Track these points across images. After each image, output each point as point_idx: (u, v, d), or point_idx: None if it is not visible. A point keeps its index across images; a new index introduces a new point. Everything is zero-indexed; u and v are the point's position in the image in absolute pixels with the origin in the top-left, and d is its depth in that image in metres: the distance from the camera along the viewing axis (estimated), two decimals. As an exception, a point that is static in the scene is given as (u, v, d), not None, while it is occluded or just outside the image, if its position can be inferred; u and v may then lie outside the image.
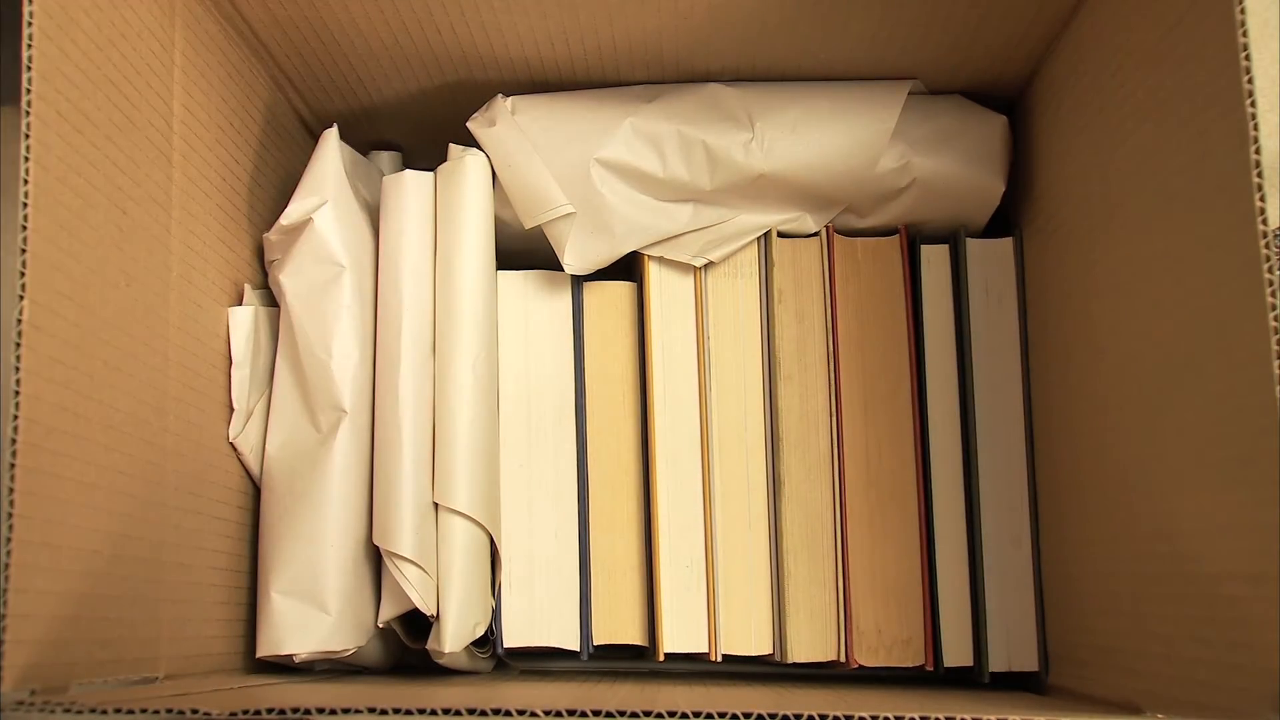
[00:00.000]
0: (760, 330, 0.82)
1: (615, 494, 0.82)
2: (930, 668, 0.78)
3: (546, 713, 0.51)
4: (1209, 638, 0.56)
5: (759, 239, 0.83)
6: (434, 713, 0.50)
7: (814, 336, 0.82)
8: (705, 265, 0.82)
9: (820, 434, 0.81)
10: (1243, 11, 0.53)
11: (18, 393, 0.51)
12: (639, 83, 0.82)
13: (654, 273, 0.82)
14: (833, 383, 0.81)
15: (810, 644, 0.78)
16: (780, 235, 0.82)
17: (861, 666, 0.78)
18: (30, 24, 0.54)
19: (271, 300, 0.80)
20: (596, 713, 0.51)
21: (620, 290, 0.84)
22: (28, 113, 0.53)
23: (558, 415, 0.82)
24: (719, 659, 0.79)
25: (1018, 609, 0.78)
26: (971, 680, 0.79)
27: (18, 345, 0.52)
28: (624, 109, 0.79)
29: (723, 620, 0.79)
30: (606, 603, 0.80)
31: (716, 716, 0.50)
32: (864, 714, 0.50)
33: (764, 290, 0.82)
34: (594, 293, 0.84)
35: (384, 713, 0.50)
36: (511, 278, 0.83)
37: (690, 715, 0.50)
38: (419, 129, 0.90)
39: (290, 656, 0.73)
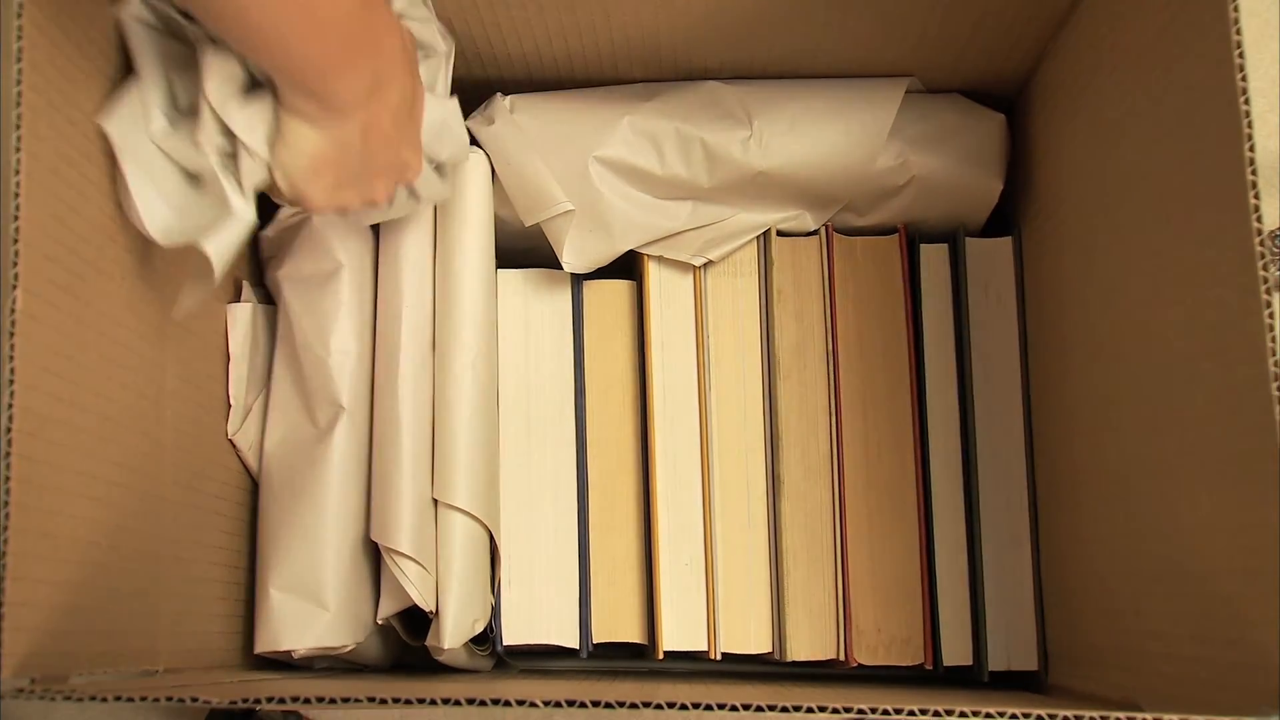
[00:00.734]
0: (760, 329, 0.82)
1: (615, 492, 0.82)
2: (930, 667, 0.78)
3: (546, 702, 0.51)
4: (1208, 636, 0.56)
5: (758, 238, 0.83)
6: (433, 702, 0.50)
7: (813, 335, 0.81)
8: (704, 264, 0.82)
9: (820, 433, 0.80)
10: (1236, 10, 0.53)
11: (12, 381, 0.51)
12: (637, 80, 0.82)
13: (653, 271, 0.82)
14: (832, 381, 0.81)
15: (810, 643, 0.78)
16: (780, 234, 0.82)
17: (861, 665, 0.78)
18: (20, 14, 0.54)
19: (269, 297, 0.80)
20: (595, 703, 0.51)
21: (620, 289, 0.84)
22: (19, 103, 0.53)
23: (557, 414, 0.82)
24: (718, 657, 0.79)
25: (1017, 608, 0.78)
26: (971, 679, 0.79)
27: (11, 335, 0.52)
28: (622, 107, 0.79)
29: (722, 619, 0.79)
30: (606, 601, 0.80)
31: (715, 707, 0.50)
32: (861, 706, 0.50)
33: (763, 289, 0.82)
34: (594, 291, 0.84)
35: (383, 702, 0.50)
36: (511, 276, 0.83)
37: (688, 706, 0.50)
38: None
39: (289, 653, 0.73)
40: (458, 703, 0.50)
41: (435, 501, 0.75)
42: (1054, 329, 0.76)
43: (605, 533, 0.81)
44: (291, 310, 0.76)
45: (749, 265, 0.83)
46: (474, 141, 0.80)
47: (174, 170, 0.62)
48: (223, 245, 0.62)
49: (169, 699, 0.51)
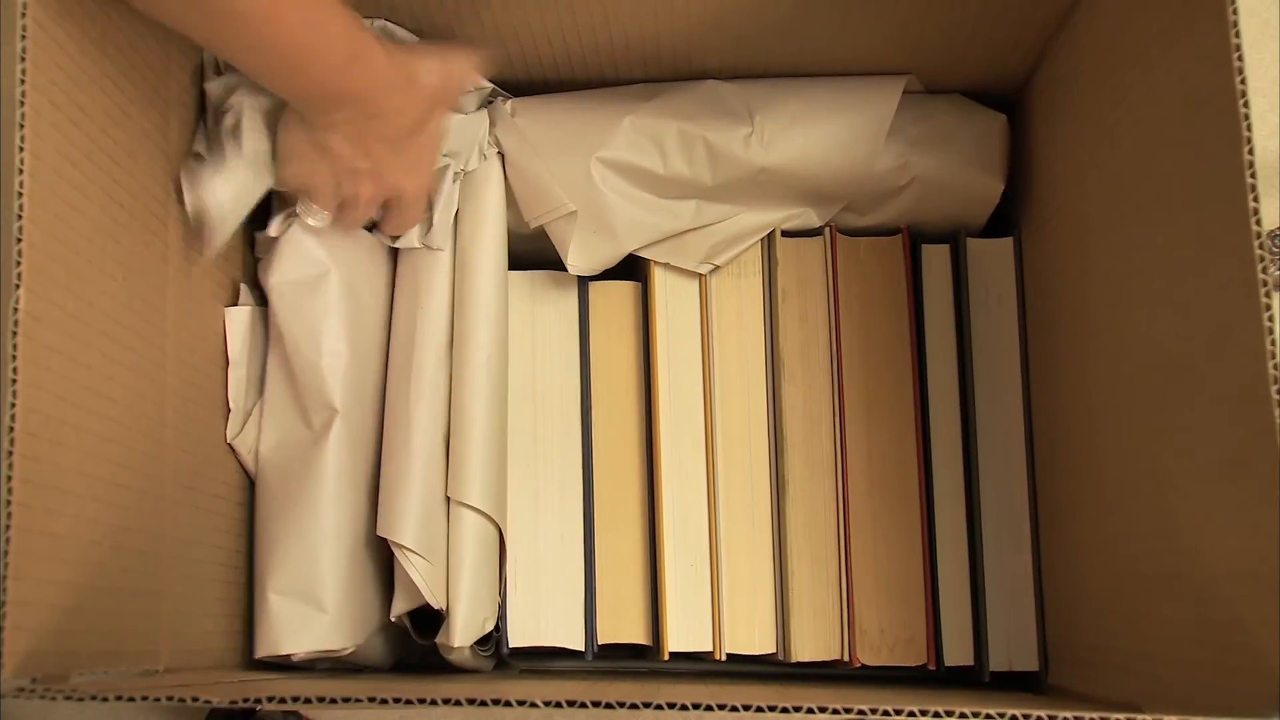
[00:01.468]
0: (764, 330, 0.82)
1: (620, 493, 0.82)
2: (932, 667, 0.78)
3: (546, 703, 0.51)
4: (1207, 638, 0.56)
5: (763, 240, 0.83)
6: (434, 702, 0.50)
7: (817, 336, 0.82)
8: (711, 271, 0.82)
9: (823, 434, 0.81)
10: (1235, 12, 0.53)
11: (15, 380, 0.51)
12: (638, 81, 0.82)
13: (659, 273, 0.82)
14: (836, 383, 0.81)
15: (813, 643, 0.78)
16: (784, 235, 0.82)
17: (864, 666, 0.78)
18: (24, 14, 0.54)
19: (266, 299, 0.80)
20: (596, 703, 0.51)
21: (626, 290, 0.84)
22: (22, 103, 0.53)
23: (563, 415, 0.82)
24: (723, 658, 0.79)
25: (1018, 609, 0.78)
26: (972, 680, 0.79)
27: (15, 334, 0.52)
28: (623, 108, 0.79)
29: (727, 619, 0.79)
30: (611, 602, 0.80)
31: (715, 708, 0.50)
32: (862, 707, 0.50)
33: (768, 290, 0.82)
34: (600, 293, 0.84)
35: (384, 702, 0.50)
36: (519, 278, 0.83)
37: (689, 706, 0.50)
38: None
39: (289, 656, 0.73)
40: (458, 702, 0.50)
41: (448, 500, 0.75)
42: (1054, 329, 0.76)
43: (610, 534, 0.81)
44: (281, 315, 0.76)
45: (753, 266, 0.83)
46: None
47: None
48: (215, 192, 0.70)
49: (169, 698, 0.51)
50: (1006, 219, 0.84)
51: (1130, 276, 0.65)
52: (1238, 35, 0.53)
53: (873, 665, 0.78)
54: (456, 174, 0.78)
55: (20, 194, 0.53)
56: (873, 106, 0.79)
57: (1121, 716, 0.49)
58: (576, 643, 0.79)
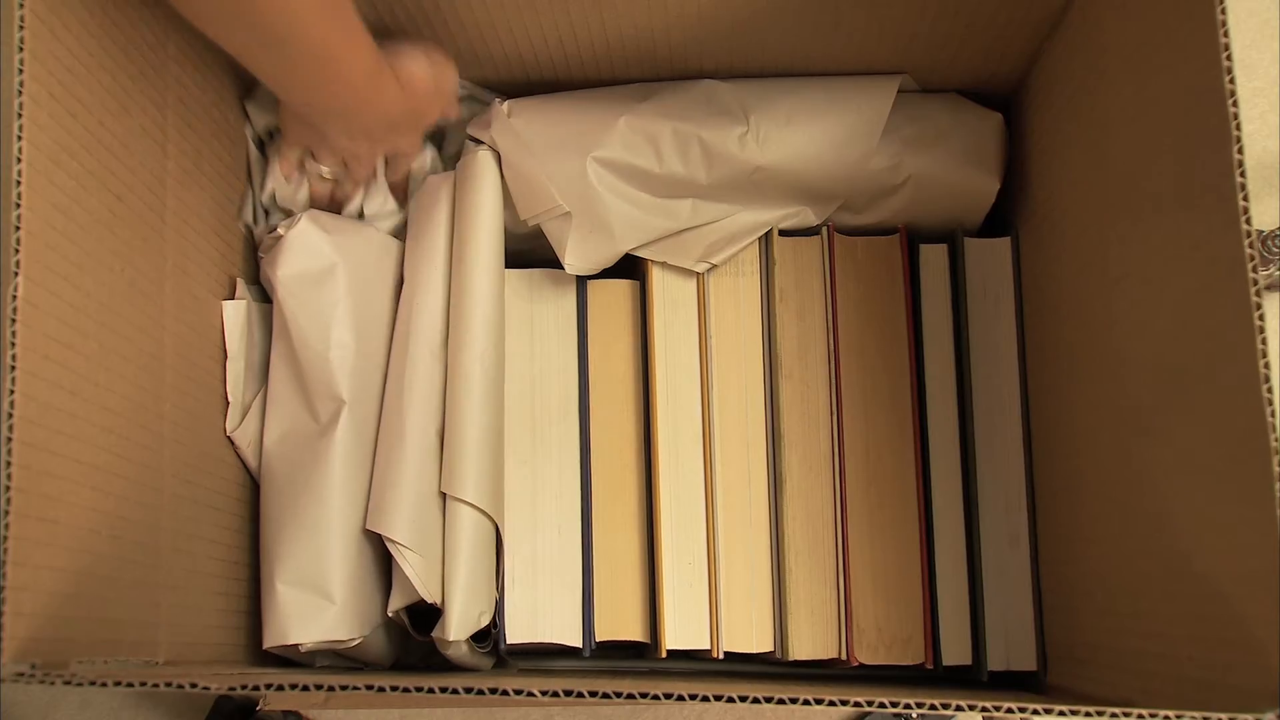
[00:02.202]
0: (761, 328, 0.82)
1: (618, 491, 0.82)
2: (930, 666, 0.78)
3: (544, 693, 0.51)
4: (1206, 635, 0.56)
5: (760, 239, 0.83)
6: (431, 691, 0.50)
7: (815, 335, 0.82)
8: (708, 270, 0.82)
9: (821, 432, 0.81)
10: (1223, 13, 0.53)
11: (14, 368, 0.51)
12: (633, 80, 0.82)
13: (657, 272, 0.82)
14: (833, 381, 0.81)
15: (811, 642, 0.78)
16: (781, 234, 0.82)
17: (862, 664, 0.78)
18: (22, 5, 0.54)
19: (263, 294, 0.80)
20: (593, 694, 0.51)
21: (623, 289, 0.84)
22: (20, 93, 0.53)
23: (561, 413, 0.82)
24: (721, 655, 0.78)
25: (1016, 608, 0.78)
26: (970, 679, 0.79)
27: (13, 321, 0.52)
28: (618, 108, 0.79)
29: (724, 617, 0.79)
30: (609, 599, 0.80)
31: (711, 698, 0.50)
32: (858, 699, 0.50)
33: (765, 289, 0.82)
34: (598, 291, 0.84)
35: (381, 690, 0.50)
36: (517, 276, 0.83)
37: (685, 697, 0.50)
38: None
39: (295, 647, 0.73)
40: (455, 691, 0.50)
41: (444, 496, 0.75)
42: (1051, 329, 0.76)
43: (608, 531, 0.81)
44: (287, 307, 0.76)
45: (751, 265, 0.83)
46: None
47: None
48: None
49: (169, 684, 0.51)
50: (1003, 218, 0.84)
51: (1125, 276, 0.65)
52: (1227, 35, 0.53)
53: (870, 664, 0.78)
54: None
55: (18, 183, 0.53)
56: (868, 105, 0.80)
57: (1120, 713, 0.49)
58: (574, 640, 0.79)
